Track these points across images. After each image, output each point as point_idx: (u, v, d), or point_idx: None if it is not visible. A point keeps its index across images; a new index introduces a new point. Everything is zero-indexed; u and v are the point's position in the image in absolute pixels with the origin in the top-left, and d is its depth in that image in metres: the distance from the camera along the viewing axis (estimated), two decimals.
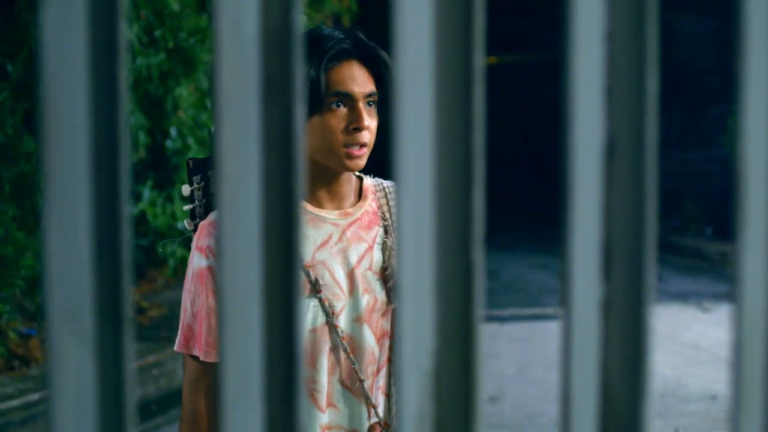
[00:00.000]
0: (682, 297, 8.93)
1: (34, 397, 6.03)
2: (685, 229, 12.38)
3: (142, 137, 6.95)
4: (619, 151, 0.86)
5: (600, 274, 0.87)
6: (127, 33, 0.85)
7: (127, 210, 0.86)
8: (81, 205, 0.85)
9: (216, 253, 0.86)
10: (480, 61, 0.83)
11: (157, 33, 6.99)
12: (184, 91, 7.12)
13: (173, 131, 7.24)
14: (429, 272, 0.85)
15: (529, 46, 18.62)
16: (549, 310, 8.63)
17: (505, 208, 14.93)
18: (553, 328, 8.00)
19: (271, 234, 0.84)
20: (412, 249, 0.85)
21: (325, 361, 1.80)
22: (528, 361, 6.80)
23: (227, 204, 0.84)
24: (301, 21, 0.82)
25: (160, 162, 7.33)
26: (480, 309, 0.86)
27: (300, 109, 0.83)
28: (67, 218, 0.85)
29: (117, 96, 0.84)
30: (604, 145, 0.86)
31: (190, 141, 7.19)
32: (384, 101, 1.95)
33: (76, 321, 0.85)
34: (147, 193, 7.29)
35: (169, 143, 7.27)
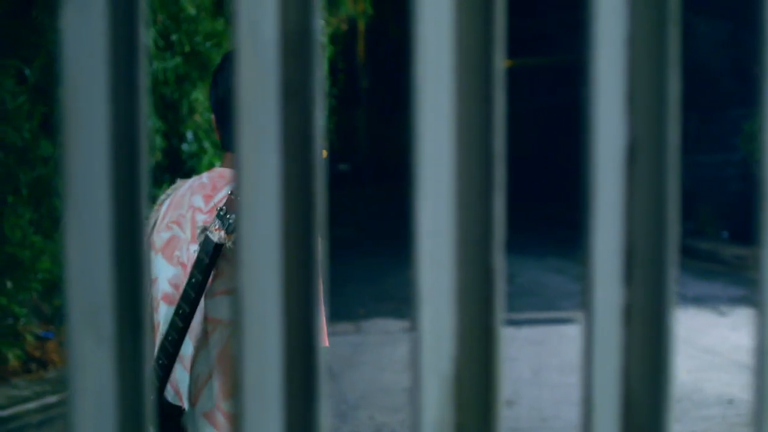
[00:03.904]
0: (699, 301, 8.89)
1: (51, 399, 6.05)
2: (701, 233, 12.33)
3: (158, 140, 6.97)
4: (640, 154, 0.86)
5: (621, 279, 0.86)
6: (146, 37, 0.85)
7: (146, 213, 0.86)
8: (100, 208, 0.85)
9: (237, 256, 0.85)
10: (500, 63, 0.83)
11: (174, 37, 7.01)
12: (199, 95, 7.13)
13: (189, 135, 7.26)
14: (448, 277, 0.85)
15: (540, 49, 18.60)
16: (565, 314, 8.61)
17: (520, 210, 14.90)
18: (569, 331, 7.97)
19: (289, 238, 0.84)
20: (432, 253, 0.85)
21: None
22: (543, 364, 6.78)
23: (246, 208, 0.84)
24: (320, 24, 0.82)
25: (175, 165, 7.35)
26: (500, 314, 0.85)
27: (319, 113, 0.83)
28: (86, 221, 0.85)
29: (137, 99, 0.84)
30: (626, 148, 0.85)
31: (206, 144, 7.21)
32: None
33: (95, 323, 0.85)
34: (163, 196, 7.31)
35: (184, 146, 7.29)
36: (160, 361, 1.92)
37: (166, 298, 2.02)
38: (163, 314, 2.02)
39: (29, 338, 6.68)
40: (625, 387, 0.87)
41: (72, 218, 0.85)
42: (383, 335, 7.71)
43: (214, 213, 1.98)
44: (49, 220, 6.70)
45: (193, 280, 1.91)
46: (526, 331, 7.80)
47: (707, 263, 11.06)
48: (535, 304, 8.88)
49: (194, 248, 1.98)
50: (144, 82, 0.84)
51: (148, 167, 0.85)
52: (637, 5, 0.85)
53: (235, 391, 0.84)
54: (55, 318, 6.94)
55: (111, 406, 0.85)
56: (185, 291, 1.92)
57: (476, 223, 0.84)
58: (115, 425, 0.85)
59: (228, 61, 2.11)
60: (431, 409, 0.85)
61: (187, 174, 7.35)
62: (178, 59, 7.03)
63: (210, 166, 7.24)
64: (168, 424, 1.93)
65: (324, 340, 2.03)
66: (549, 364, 6.82)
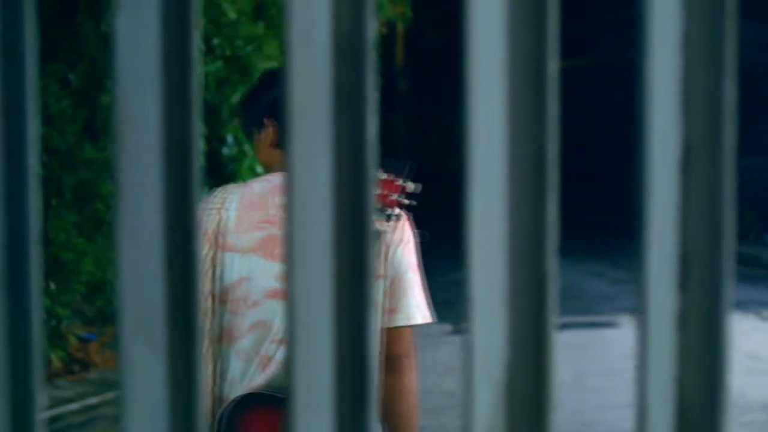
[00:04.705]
0: (741, 305, 8.79)
1: (94, 400, 6.10)
2: (744, 237, 12.19)
3: (200, 144, 7.02)
4: (695, 158, 0.84)
5: (676, 285, 0.85)
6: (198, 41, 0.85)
7: (198, 219, 0.86)
8: (152, 214, 0.85)
9: (288, 261, 0.85)
10: (554, 65, 0.82)
11: (214, 41, 7.05)
12: (240, 99, 7.17)
13: (229, 138, 7.30)
14: (501, 281, 0.84)
15: (575, 51, 18.48)
16: (604, 318, 8.55)
17: (559, 215, 14.78)
18: (610, 335, 7.91)
19: (342, 243, 0.83)
20: (484, 258, 0.84)
21: None
22: (584, 369, 6.74)
23: (298, 212, 0.84)
24: (373, 27, 0.82)
25: (216, 169, 7.39)
26: (553, 319, 0.84)
27: (372, 117, 0.83)
28: (138, 227, 0.85)
29: (189, 103, 0.84)
30: (681, 152, 0.84)
31: (246, 148, 7.24)
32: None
33: (147, 329, 0.86)
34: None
35: (225, 150, 7.32)
36: None
37: (273, 294, 2.08)
38: (270, 310, 2.08)
39: (72, 340, 6.75)
40: (679, 394, 0.86)
41: (124, 224, 0.85)
42: (424, 338, 7.70)
43: None
44: (91, 223, 6.77)
45: None
46: (565, 336, 7.75)
47: (749, 268, 10.93)
48: (575, 308, 8.82)
49: None
50: (196, 85, 0.84)
51: (201, 174, 0.86)
52: (693, 6, 0.84)
53: (288, 397, 0.84)
54: (98, 320, 7.00)
55: (163, 413, 0.86)
56: None
57: (529, 228, 0.83)
58: (167, 431, 0.86)
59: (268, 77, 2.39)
60: (483, 415, 0.85)
61: (229, 177, 7.39)
62: (218, 63, 7.07)
63: (250, 169, 7.27)
64: None
65: (425, 314, 2.16)
66: (590, 368, 6.78)
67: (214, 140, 7.32)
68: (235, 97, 7.15)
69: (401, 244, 2.15)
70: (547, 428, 0.85)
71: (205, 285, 2.06)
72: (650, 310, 0.85)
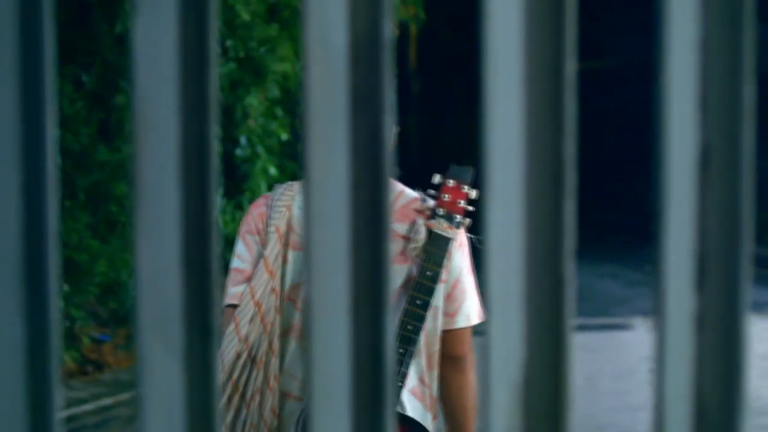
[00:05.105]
0: (757, 307, 8.75)
1: (107, 401, 6.12)
2: (759, 239, 12.14)
3: None
4: (713, 159, 0.84)
5: (694, 286, 0.85)
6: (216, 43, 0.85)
7: (215, 220, 0.87)
8: (170, 216, 0.85)
9: (306, 262, 0.85)
10: (571, 68, 0.82)
11: (228, 43, 7.07)
12: (253, 100, 7.19)
13: (243, 140, 7.32)
14: (518, 283, 0.84)
15: (593, 52, 18.44)
16: (619, 320, 8.53)
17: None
18: (623, 338, 7.89)
19: (358, 244, 0.84)
20: (501, 259, 0.84)
21: None
22: (598, 371, 6.72)
23: (315, 214, 0.84)
24: (390, 30, 0.82)
25: (229, 170, 7.41)
26: (571, 320, 0.84)
27: (389, 120, 0.83)
28: (156, 228, 0.86)
29: (207, 105, 0.85)
30: (699, 153, 0.84)
31: (260, 149, 7.26)
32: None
33: (164, 330, 0.86)
34: (217, 201, 7.37)
35: (238, 151, 7.34)
36: (400, 350, 2.15)
37: None
38: None
39: (85, 341, 6.78)
40: (697, 395, 0.86)
41: (142, 225, 0.86)
42: None
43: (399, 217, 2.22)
44: (105, 225, 6.79)
45: (429, 273, 2.16)
46: (579, 337, 7.73)
47: (765, 269, 10.88)
48: (589, 310, 8.80)
49: None
50: (214, 87, 0.85)
51: (218, 175, 0.86)
52: (711, 7, 0.84)
53: (306, 397, 0.84)
54: (111, 321, 7.03)
55: (180, 414, 0.86)
56: (420, 284, 2.16)
57: (547, 230, 0.83)
58: (184, 431, 0.86)
59: None
60: (500, 416, 0.85)
61: (241, 178, 7.41)
62: (232, 65, 7.09)
63: (263, 171, 7.28)
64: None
65: (477, 313, 2.26)
66: (603, 370, 6.76)
67: (228, 141, 7.34)
68: (249, 99, 7.16)
69: (460, 249, 2.25)
70: (564, 429, 0.85)
71: (275, 282, 2.14)
72: (668, 312, 0.85)
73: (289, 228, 2.18)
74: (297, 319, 2.17)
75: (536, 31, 0.82)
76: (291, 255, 2.17)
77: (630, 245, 12.57)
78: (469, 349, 2.29)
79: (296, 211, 2.19)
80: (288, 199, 2.22)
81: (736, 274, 0.85)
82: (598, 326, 8.20)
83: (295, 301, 2.16)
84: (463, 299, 2.25)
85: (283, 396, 2.18)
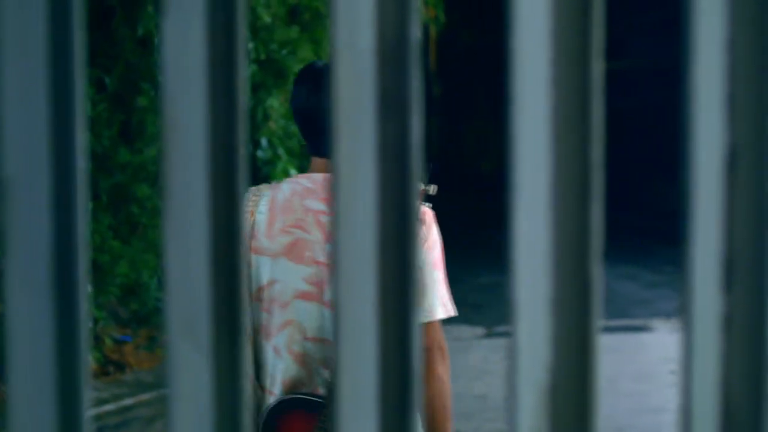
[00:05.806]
0: None
1: (129, 401, 6.15)
2: None
3: None
4: (741, 160, 0.84)
5: (721, 288, 0.85)
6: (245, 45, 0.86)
7: (243, 222, 0.87)
8: (199, 217, 0.86)
9: (333, 264, 0.86)
10: (599, 71, 0.82)
11: (249, 45, 7.09)
12: (274, 102, 7.20)
13: (264, 141, 7.34)
14: (545, 286, 0.84)
15: (610, 53, 18.38)
16: (638, 322, 8.49)
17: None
18: (644, 339, 7.86)
19: (386, 246, 0.84)
20: (528, 262, 0.84)
21: None
22: (618, 373, 6.70)
23: (343, 216, 0.84)
24: (417, 33, 0.82)
25: (250, 172, 7.43)
26: (597, 324, 0.84)
27: (417, 121, 0.83)
28: (185, 229, 0.86)
29: (234, 108, 0.85)
30: (726, 154, 0.84)
31: (280, 151, 7.28)
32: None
33: (193, 331, 0.87)
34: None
35: (259, 153, 7.36)
36: None
37: (304, 295, 2.23)
38: (300, 309, 2.24)
39: (107, 341, 6.81)
40: (724, 397, 0.86)
41: (171, 226, 0.86)
42: (456, 342, 7.69)
43: None
44: (126, 226, 6.83)
45: None
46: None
47: None
48: (608, 312, 8.77)
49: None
50: (243, 90, 0.85)
51: (247, 178, 0.86)
52: (738, 6, 0.84)
53: (334, 399, 0.85)
54: (133, 322, 7.06)
55: (208, 413, 0.87)
56: None
57: (574, 232, 0.83)
58: (212, 430, 0.87)
59: (305, 74, 2.41)
60: (527, 418, 0.85)
61: (263, 180, 7.42)
62: (253, 67, 7.11)
63: (284, 172, 7.30)
64: None
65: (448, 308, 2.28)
66: (624, 372, 6.74)
67: (249, 143, 7.36)
68: (270, 101, 7.19)
69: (423, 243, 2.26)
70: (590, 431, 0.85)
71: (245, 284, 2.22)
72: (694, 313, 0.85)
73: (252, 233, 2.23)
74: (263, 319, 2.23)
75: (564, 33, 0.83)
76: (254, 259, 2.22)
77: (649, 247, 12.52)
78: (432, 344, 2.27)
79: (258, 217, 2.24)
80: (252, 204, 2.27)
81: (763, 275, 0.85)
82: (617, 328, 8.17)
83: (260, 302, 2.23)
84: (426, 293, 2.26)
85: (262, 390, 2.24)
